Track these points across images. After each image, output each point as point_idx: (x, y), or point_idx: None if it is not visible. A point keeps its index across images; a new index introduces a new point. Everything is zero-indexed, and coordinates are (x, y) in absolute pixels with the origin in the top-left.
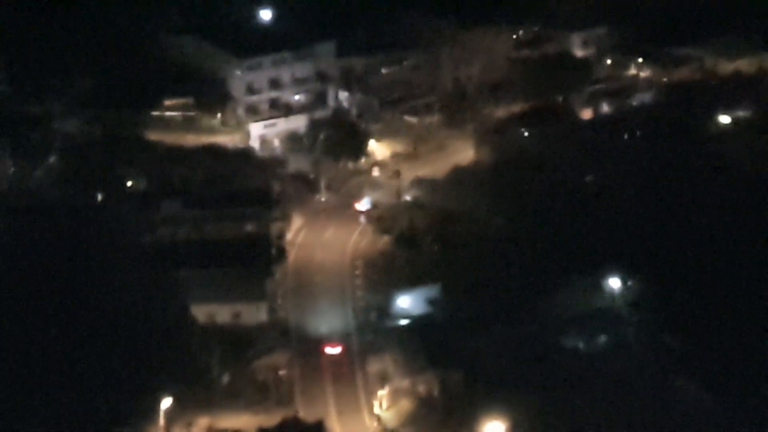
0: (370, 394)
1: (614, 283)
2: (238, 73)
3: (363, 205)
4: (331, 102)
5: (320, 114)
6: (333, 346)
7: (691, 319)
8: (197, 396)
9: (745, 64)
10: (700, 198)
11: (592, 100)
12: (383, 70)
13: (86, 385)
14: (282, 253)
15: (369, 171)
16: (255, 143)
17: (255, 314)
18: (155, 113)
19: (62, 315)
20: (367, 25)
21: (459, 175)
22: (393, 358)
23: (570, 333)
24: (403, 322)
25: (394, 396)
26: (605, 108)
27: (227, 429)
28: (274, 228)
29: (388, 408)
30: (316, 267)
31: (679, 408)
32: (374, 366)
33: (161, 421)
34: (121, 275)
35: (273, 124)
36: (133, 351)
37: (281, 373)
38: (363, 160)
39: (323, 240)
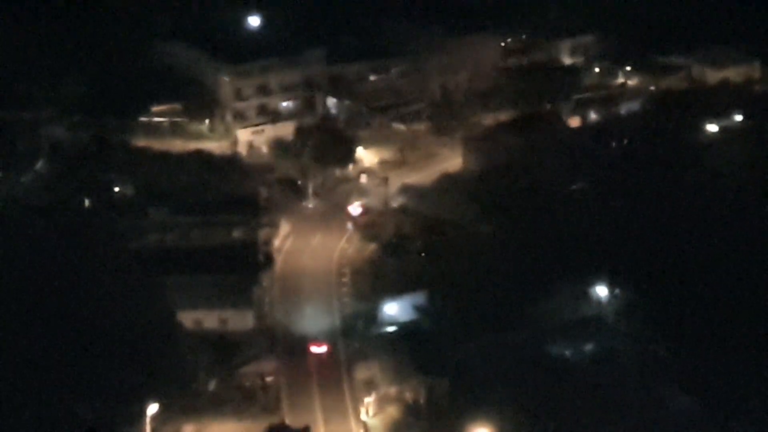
0: (357, 401)
1: (601, 291)
2: (226, 79)
3: (354, 210)
4: (319, 109)
5: (308, 121)
6: (318, 345)
7: (679, 327)
8: (184, 402)
9: (732, 73)
10: (688, 206)
11: (580, 108)
12: (371, 78)
13: (72, 390)
14: (269, 259)
15: (357, 178)
16: (243, 149)
17: (242, 321)
18: (143, 119)
19: (49, 320)
20: (356, 32)
21: (447, 182)
22: (380, 365)
23: (557, 341)
24: (390, 329)
25: (381, 403)
26: (593, 116)
27: None
28: (262, 234)
29: (375, 415)
30: (303, 274)
31: (667, 417)
32: (361, 373)
33: (147, 427)
34: (109, 281)
35: (261, 131)
36: (120, 357)
37: (268, 379)
38: (351, 167)
39: (310, 247)
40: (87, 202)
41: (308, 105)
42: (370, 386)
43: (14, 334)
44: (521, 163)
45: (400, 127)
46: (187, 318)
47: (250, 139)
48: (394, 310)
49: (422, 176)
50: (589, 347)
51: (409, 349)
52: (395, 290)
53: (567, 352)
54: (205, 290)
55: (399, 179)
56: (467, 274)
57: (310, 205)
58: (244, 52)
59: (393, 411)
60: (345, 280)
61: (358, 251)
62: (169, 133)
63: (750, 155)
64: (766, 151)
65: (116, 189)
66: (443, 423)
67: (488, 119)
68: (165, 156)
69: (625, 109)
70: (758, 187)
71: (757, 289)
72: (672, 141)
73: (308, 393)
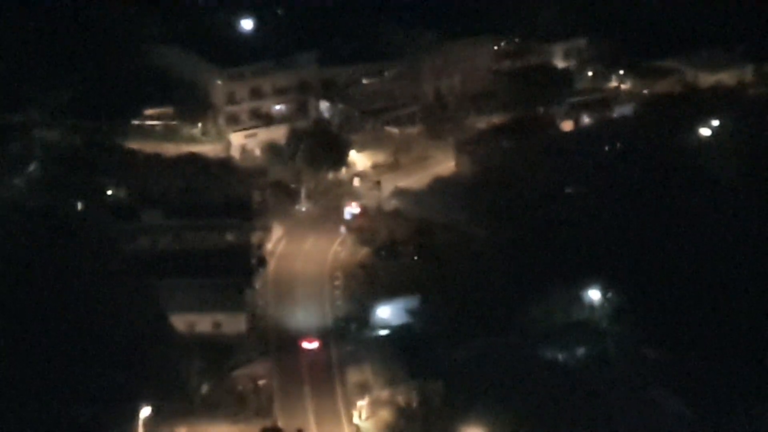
0: (350, 405)
1: (594, 295)
2: (219, 82)
3: (347, 213)
4: (312, 112)
5: (301, 124)
6: (310, 341)
7: (671, 331)
8: (176, 405)
9: (725, 77)
10: (680, 210)
11: (573, 112)
12: (364, 81)
13: (65, 393)
14: (262, 263)
15: (350, 181)
16: (235, 153)
17: (235, 324)
18: (136, 122)
19: (42, 324)
20: (349, 35)
21: (439, 185)
22: (373, 368)
23: (550, 344)
24: (383, 332)
25: (374, 406)
26: (586, 119)
27: None
28: (254, 238)
29: (368, 418)
30: (296, 277)
31: (658, 420)
32: (354, 376)
33: (140, 430)
34: (101, 284)
35: (254, 134)
36: (113, 360)
37: (261, 383)
38: (344, 170)
39: (303, 250)
40: (80, 206)
41: (301, 108)
42: (362, 389)
43: (7, 338)
44: (514, 167)
45: (394, 130)
46: (180, 321)
47: (243, 142)
48: (387, 313)
49: (415, 179)
50: (581, 350)
51: (402, 352)
52: (388, 293)
53: (559, 356)
54: (198, 293)
55: (392, 182)
56: (460, 277)
57: (303, 209)
58: (237, 56)
59: (386, 414)
60: (338, 283)
61: (351, 254)
62: (161, 137)
63: (743, 158)
64: (758, 154)
65: (109, 192)
66: (436, 426)
67: (481, 122)
68: (158, 159)
69: (618, 112)
70: (751, 190)
71: (749, 293)
72: (665, 144)
73: (301, 396)
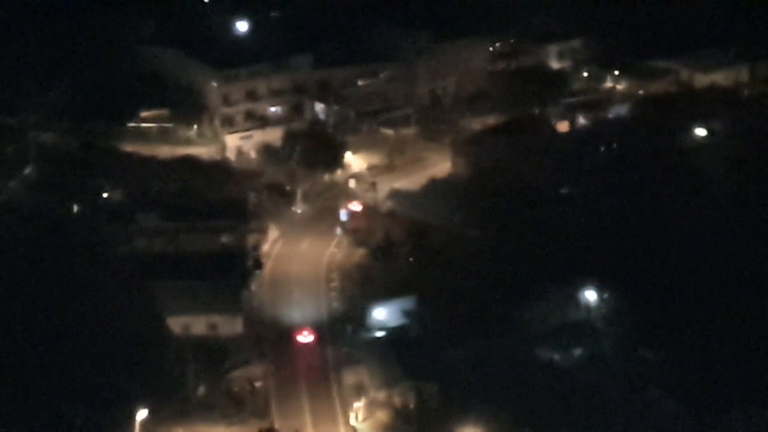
0: (346, 406)
1: (590, 295)
2: (215, 84)
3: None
4: (307, 114)
5: (296, 126)
6: (304, 335)
7: (666, 332)
8: (173, 407)
9: (721, 77)
10: (676, 211)
11: (568, 113)
12: (359, 82)
13: (61, 396)
14: (258, 264)
15: (345, 183)
16: (231, 155)
17: (231, 326)
18: (131, 124)
19: (37, 326)
20: (344, 37)
21: (435, 187)
22: (369, 369)
23: (545, 345)
24: (379, 333)
25: (370, 408)
26: (581, 120)
27: None
28: (250, 240)
29: (364, 420)
30: (292, 279)
31: (654, 420)
32: (350, 377)
33: None
34: (97, 287)
35: (249, 136)
36: (109, 362)
37: (257, 384)
38: (339, 172)
39: (299, 252)
40: (75, 208)
41: (296, 110)
42: (359, 391)
43: (3, 340)
44: (509, 168)
45: (389, 131)
46: (176, 323)
47: (238, 144)
48: (383, 314)
49: (411, 181)
50: (577, 351)
51: (398, 353)
52: (384, 295)
53: (555, 356)
54: (194, 295)
55: (387, 184)
56: (456, 278)
57: (299, 211)
58: (232, 58)
59: (382, 416)
60: (334, 285)
61: (347, 256)
62: (157, 139)
63: (738, 159)
64: (754, 154)
65: (104, 194)
66: (432, 428)
67: (476, 124)
68: (153, 161)
69: (613, 113)
70: (746, 191)
71: (744, 293)
72: (660, 145)
73: (297, 397)
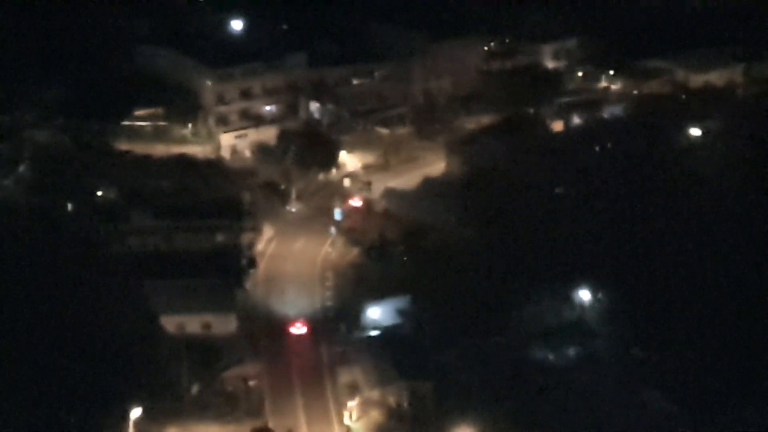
0: (340, 405)
1: (584, 295)
2: (209, 83)
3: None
4: (302, 113)
5: (291, 125)
6: (298, 327)
7: (660, 331)
8: (167, 406)
9: (715, 77)
10: (671, 210)
11: (563, 112)
12: (354, 82)
13: (55, 395)
14: (252, 263)
15: (340, 182)
16: (225, 153)
17: (225, 325)
18: (126, 123)
19: (31, 325)
20: (339, 36)
21: (429, 186)
22: (363, 369)
23: (540, 345)
24: (373, 333)
25: (364, 407)
26: (576, 120)
27: None
28: (245, 239)
29: (358, 419)
30: (286, 278)
31: (648, 420)
32: (344, 377)
33: (131, 431)
34: (91, 285)
35: (244, 135)
36: (103, 361)
37: (251, 383)
38: (334, 171)
39: (294, 251)
40: (70, 206)
41: (291, 109)
42: (353, 390)
43: None
44: (504, 167)
45: (383, 131)
46: (170, 322)
47: (233, 143)
48: (377, 314)
49: (405, 180)
50: (571, 351)
51: (392, 353)
52: (378, 294)
53: (549, 356)
54: (188, 294)
55: (382, 183)
56: (450, 277)
57: (294, 210)
58: (226, 56)
59: (376, 415)
60: (328, 284)
61: (342, 255)
62: (151, 137)
63: (732, 158)
64: (748, 154)
65: (99, 193)
66: (426, 427)
67: (471, 123)
68: (148, 160)
69: (608, 113)
70: (741, 190)
71: (738, 293)
72: (655, 145)
73: (291, 397)
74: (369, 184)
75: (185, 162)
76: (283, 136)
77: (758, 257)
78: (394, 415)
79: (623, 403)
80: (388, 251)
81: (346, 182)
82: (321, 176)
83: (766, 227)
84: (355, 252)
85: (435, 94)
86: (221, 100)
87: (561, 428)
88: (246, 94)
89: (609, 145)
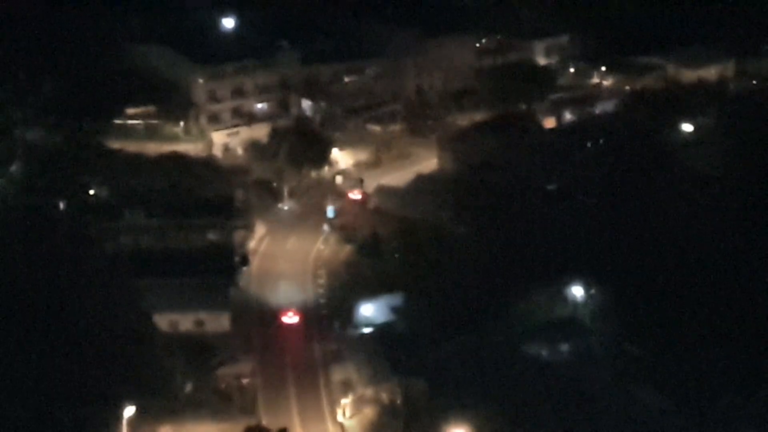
0: (334, 402)
1: (577, 291)
2: (201, 81)
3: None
4: (294, 110)
5: (283, 122)
6: (290, 316)
7: (653, 327)
8: (160, 405)
9: (707, 73)
10: (663, 206)
11: (555, 109)
12: (346, 79)
13: (48, 393)
14: (245, 261)
15: (332, 179)
16: (218, 151)
17: (218, 322)
18: (118, 121)
19: (23, 324)
20: (331, 33)
21: (422, 183)
22: (356, 366)
23: (533, 341)
24: (367, 330)
25: (358, 404)
26: (568, 116)
27: None
28: (237, 236)
29: (352, 416)
30: (279, 275)
31: (641, 416)
32: (338, 374)
33: (124, 430)
34: (84, 284)
35: (236, 133)
36: (96, 359)
37: (244, 381)
38: (326, 168)
39: (286, 248)
40: (62, 205)
41: (283, 106)
42: (346, 387)
43: None
44: (496, 164)
45: (376, 128)
46: (164, 320)
47: (225, 141)
48: (370, 311)
49: (397, 177)
50: (564, 347)
51: (386, 350)
52: (371, 291)
53: (543, 352)
54: (181, 292)
55: (374, 180)
56: (443, 274)
57: (286, 207)
58: (218, 54)
59: (370, 412)
60: (321, 281)
61: (334, 252)
62: (143, 136)
63: (724, 154)
64: (740, 149)
65: (91, 191)
66: (420, 424)
67: (463, 120)
68: (140, 158)
69: (600, 109)
70: (733, 186)
71: (730, 289)
72: (647, 141)
73: (285, 394)
74: (361, 181)
75: (177, 160)
76: (275, 133)
77: (750, 252)
78: (387, 412)
79: (616, 399)
80: (381, 248)
81: (339, 179)
82: (313, 173)
83: (759, 222)
84: (347, 249)
85: (427, 91)
86: (213, 97)
87: (554, 424)
88: (238, 92)
89: (601, 141)
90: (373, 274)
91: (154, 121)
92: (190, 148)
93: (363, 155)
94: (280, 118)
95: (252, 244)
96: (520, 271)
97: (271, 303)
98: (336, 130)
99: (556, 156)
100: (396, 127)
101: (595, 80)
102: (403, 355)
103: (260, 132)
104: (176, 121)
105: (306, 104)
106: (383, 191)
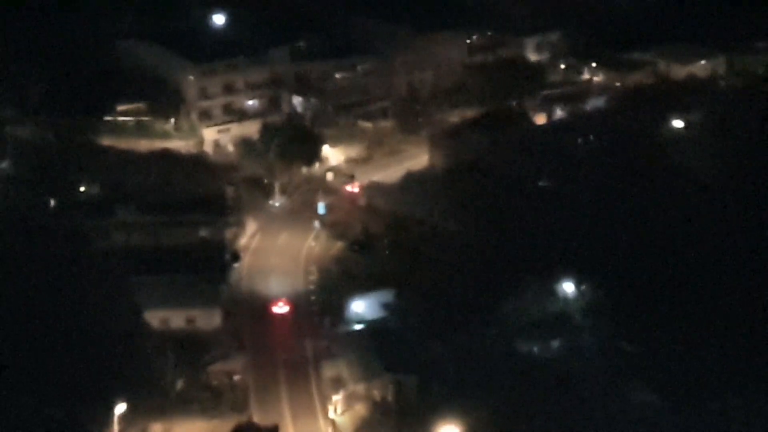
0: (325, 399)
1: (568, 287)
2: (192, 78)
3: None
4: (285, 107)
5: (274, 119)
6: (280, 306)
7: (645, 324)
8: (151, 402)
9: (698, 69)
10: (654, 202)
11: (546, 105)
12: (337, 75)
13: (39, 391)
14: (236, 258)
15: (323, 176)
16: (208, 148)
17: (209, 320)
18: (108, 118)
19: (13, 321)
20: (322, 30)
21: (413, 180)
22: (348, 362)
23: (524, 338)
24: (358, 326)
25: (349, 401)
26: (559, 113)
27: None
28: (228, 233)
29: (343, 413)
30: (270, 272)
31: (633, 412)
32: (329, 371)
33: (115, 427)
34: (74, 281)
35: (227, 129)
36: (87, 357)
37: (236, 378)
38: (317, 165)
39: (277, 245)
40: (52, 202)
41: (274, 103)
42: (338, 384)
43: None
44: (487, 160)
45: (367, 124)
46: (154, 317)
47: (215, 137)
48: (361, 307)
49: (389, 174)
50: (556, 344)
51: (377, 346)
52: (363, 288)
53: (534, 349)
54: (172, 289)
55: (365, 177)
56: (434, 271)
57: (277, 204)
58: (209, 51)
59: (361, 409)
60: (312, 278)
61: (325, 249)
62: (134, 133)
63: (716, 150)
64: (731, 146)
65: (82, 189)
66: (411, 421)
67: (454, 116)
68: (131, 155)
69: (591, 105)
70: (724, 182)
71: (722, 286)
72: (638, 137)
73: (276, 391)
74: (352, 177)
75: (168, 157)
76: (266, 130)
77: (742, 249)
78: (379, 408)
79: (609, 395)
80: (372, 245)
81: (330, 176)
82: (304, 170)
83: (751, 218)
84: (338, 246)
85: (418, 88)
86: (204, 94)
87: (545, 421)
88: (229, 89)
89: (592, 137)
90: (364, 271)
91: (145, 118)
92: (180, 144)
93: (354, 152)
94: (271, 115)
95: (243, 241)
96: (512, 268)
97: (262, 299)
98: (327, 126)
99: (546, 152)
100: (387, 124)
101: (586, 76)
102: (394, 352)
103: (251, 129)
104: (167, 117)
105: (297, 101)
106: (374, 188)
